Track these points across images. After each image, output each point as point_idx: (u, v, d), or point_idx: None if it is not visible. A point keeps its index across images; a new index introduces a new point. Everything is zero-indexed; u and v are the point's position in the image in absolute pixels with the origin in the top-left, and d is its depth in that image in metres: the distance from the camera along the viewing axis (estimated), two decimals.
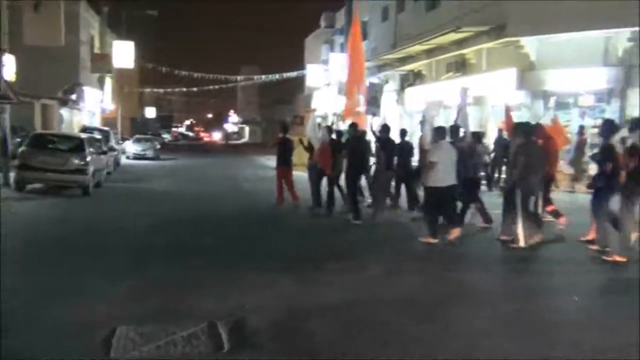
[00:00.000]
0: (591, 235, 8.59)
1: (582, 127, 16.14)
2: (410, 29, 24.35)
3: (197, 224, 10.46)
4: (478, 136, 10.74)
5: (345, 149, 11.52)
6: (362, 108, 14.37)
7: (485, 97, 19.29)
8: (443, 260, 7.95)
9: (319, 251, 8.33)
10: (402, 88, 26.46)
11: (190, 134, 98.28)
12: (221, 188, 17.29)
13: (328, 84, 35.44)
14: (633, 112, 15.97)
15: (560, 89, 17.41)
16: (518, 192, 8.56)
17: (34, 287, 5.93)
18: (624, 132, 8.27)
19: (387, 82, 28.23)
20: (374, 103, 21.57)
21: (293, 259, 7.66)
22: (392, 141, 11.80)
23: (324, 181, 12.01)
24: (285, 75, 39.34)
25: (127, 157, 29.20)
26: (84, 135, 15.85)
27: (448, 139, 9.34)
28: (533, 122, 10.67)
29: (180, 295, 5.82)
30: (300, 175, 13.33)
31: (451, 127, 10.15)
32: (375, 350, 4.56)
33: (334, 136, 12.36)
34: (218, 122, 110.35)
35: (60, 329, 4.80)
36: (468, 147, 9.89)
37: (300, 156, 13.81)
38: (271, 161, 13.80)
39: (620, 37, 16.12)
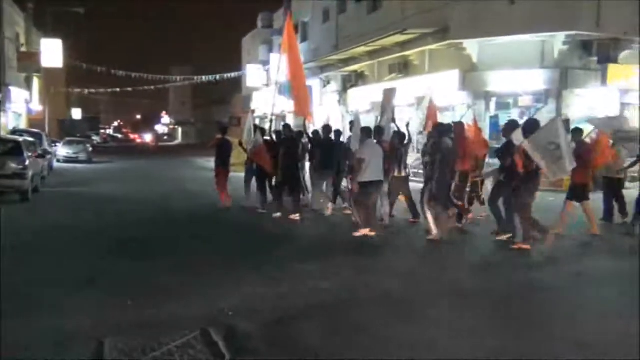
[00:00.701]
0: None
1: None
2: (352, 30, 24.60)
3: (152, 227, 10.22)
4: (402, 136, 10.94)
5: (280, 149, 11.63)
6: (293, 107, 14.51)
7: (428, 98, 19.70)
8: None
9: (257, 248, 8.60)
10: (344, 89, 26.63)
11: (119, 135, 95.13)
12: (166, 190, 16.80)
13: (267, 85, 35.18)
14: (568, 112, 16.87)
15: (501, 89, 18.12)
16: (433, 185, 9.04)
17: None
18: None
19: (329, 82, 28.38)
20: None
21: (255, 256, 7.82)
22: (329, 141, 11.98)
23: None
24: (226, 75, 38.57)
25: (58, 161, 27.92)
26: (20, 138, 14.96)
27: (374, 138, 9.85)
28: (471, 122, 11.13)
29: (146, 301, 5.68)
30: (241, 175, 13.33)
31: (376, 127, 10.55)
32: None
33: (274, 136, 12.55)
34: (147, 123, 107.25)
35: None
36: (391, 146, 10.33)
37: (239, 156, 13.85)
38: (212, 163, 13.72)
39: (556, 41, 16.98)
